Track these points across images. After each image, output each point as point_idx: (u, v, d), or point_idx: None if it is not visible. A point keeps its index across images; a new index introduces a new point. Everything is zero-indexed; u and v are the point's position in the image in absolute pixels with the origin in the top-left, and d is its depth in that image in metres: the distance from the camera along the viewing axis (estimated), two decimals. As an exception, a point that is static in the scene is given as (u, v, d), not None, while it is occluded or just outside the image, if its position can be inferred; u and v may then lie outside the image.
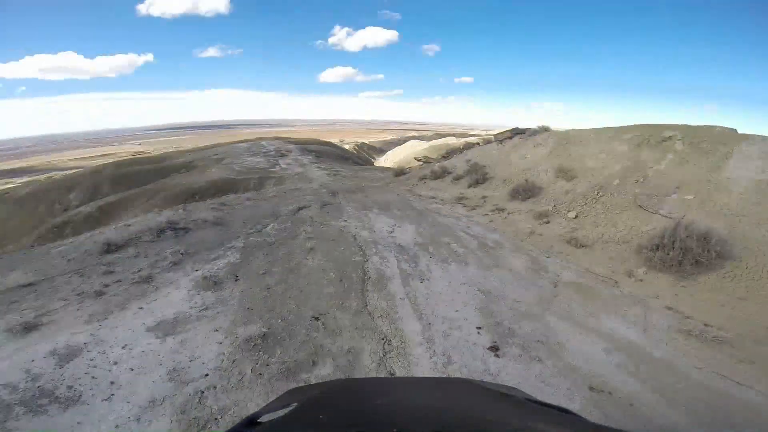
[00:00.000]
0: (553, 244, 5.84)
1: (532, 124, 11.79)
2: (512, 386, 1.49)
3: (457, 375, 2.86)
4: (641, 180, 6.78)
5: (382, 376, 2.84)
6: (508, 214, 7.45)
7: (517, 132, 12.35)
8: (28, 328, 3.28)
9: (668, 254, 4.60)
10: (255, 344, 3.13)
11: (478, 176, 10.03)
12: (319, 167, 19.91)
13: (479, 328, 3.51)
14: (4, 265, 4.77)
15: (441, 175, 11.59)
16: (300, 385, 2.72)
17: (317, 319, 3.53)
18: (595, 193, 7.03)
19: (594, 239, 5.79)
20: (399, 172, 14.41)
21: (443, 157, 17.01)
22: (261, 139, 34.03)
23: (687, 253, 4.51)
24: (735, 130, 7.14)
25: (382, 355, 3.09)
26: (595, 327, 3.61)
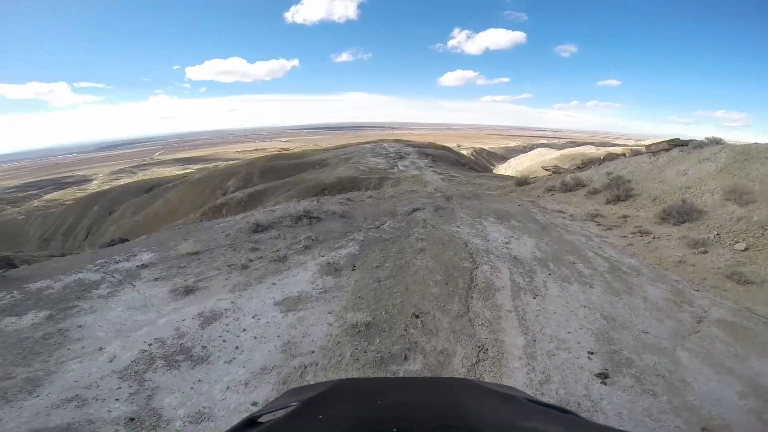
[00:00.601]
0: (707, 278, 4.90)
1: (698, 135, 9.72)
2: (512, 386, 1.40)
3: (553, 395, 2.68)
4: None
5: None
6: (654, 238, 6.34)
7: (676, 143, 10.35)
8: (188, 291, 4.08)
9: None
10: (359, 331, 3.38)
11: (620, 192, 8.75)
12: (434, 171, 20.13)
13: (591, 353, 3.18)
14: (181, 235, 6.14)
15: (573, 187, 10.48)
16: (387, 374, 2.85)
17: (417, 316, 3.62)
18: (779, 223, 5.57)
19: (766, 277, 4.79)
20: (522, 182, 13.55)
21: (577, 167, 15.34)
22: (383, 140, 36.20)
23: None
24: None
25: (474, 361, 3.03)
26: (736, 369, 3.07)
